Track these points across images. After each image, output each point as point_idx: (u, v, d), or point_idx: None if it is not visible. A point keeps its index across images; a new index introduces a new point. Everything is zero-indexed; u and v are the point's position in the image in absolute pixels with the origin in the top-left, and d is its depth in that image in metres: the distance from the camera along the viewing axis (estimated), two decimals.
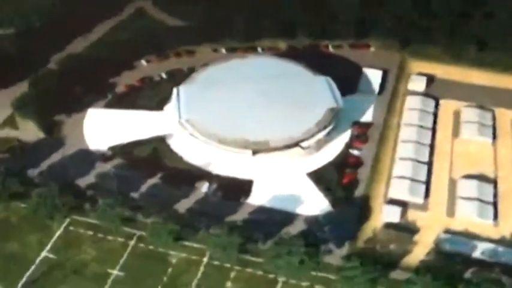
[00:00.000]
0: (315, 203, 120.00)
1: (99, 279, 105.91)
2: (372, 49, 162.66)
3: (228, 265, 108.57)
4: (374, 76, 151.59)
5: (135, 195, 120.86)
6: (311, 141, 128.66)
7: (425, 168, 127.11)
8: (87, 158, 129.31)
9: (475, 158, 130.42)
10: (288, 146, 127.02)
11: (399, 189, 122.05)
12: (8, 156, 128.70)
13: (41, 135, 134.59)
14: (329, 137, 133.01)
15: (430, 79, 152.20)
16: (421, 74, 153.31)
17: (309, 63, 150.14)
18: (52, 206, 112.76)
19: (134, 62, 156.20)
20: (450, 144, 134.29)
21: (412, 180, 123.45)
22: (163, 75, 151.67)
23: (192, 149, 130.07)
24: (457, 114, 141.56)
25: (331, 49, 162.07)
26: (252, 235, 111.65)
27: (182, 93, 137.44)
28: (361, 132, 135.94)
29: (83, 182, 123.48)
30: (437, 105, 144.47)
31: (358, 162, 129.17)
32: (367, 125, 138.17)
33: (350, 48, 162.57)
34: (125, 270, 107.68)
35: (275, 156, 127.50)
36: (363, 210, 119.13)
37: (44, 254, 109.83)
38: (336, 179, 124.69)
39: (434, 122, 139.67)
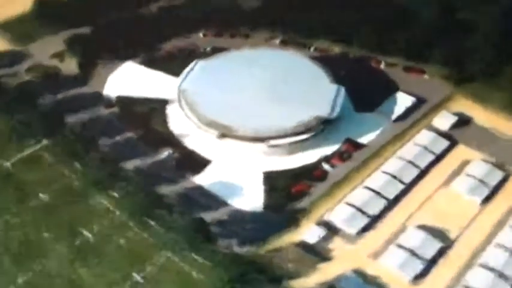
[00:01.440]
0: (250, 201, 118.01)
1: (22, 199, 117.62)
2: (426, 76, 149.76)
3: (131, 224, 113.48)
4: (403, 102, 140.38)
5: (106, 141, 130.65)
6: (280, 142, 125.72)
7: (382, 204, 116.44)
8: (94, 100, 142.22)
9: (449, 213, 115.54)
10: (256, 139, 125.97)
11: (339, 215, 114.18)
12: (39, 80, 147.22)
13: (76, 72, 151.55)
14: (311, 144, 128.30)
15: (464, 121, 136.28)
16: (458, 113, 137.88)
17: (348, 73, 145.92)
18: (27, 127, 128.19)
19: (192, 33, 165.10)
20: (432, 191, 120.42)
21: (359, 210, 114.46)
22: (208, 50, 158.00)
23: (177, 117, 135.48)
24: (464, 164, 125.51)
25: (382, 66, 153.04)
26: (170, 207, 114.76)
27: (198, 66, 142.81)
28: (347, 151, 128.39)
29: (76, 117, 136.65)
30: (450, 149, 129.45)
31: (322, 177, 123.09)
32: (358, 146, 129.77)
33: (403, 69, 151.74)
34: (51, 198, 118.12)
35: (243, 146, 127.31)
36: (290, 222, 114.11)
37: (3, 163, 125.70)
38: (287, 185, 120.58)
39: (432, 165, 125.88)
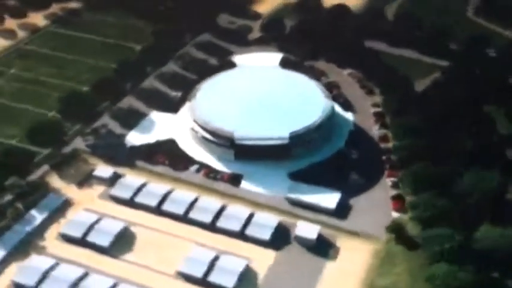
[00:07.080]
0: (135, 140, 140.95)
1: None
2: (395, 214, 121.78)
3: None
4: (323, 199, 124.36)
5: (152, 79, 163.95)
6: (199, 130, 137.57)
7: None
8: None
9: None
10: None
11: (127, 182, 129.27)
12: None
13: None
14: (218, 152, 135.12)
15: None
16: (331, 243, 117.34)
17: (355, 157, 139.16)
18: None
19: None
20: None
21: (136, 194, 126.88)
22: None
23: None
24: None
25: (389, 181, 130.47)
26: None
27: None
28: (220, 176, 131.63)
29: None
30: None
31: (179, 168, 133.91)
32: (233, 183, 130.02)
33: (392, 196, 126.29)
34: None
35: (185, 119, 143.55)
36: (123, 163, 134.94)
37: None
38: (162, 154, 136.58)
39: None
